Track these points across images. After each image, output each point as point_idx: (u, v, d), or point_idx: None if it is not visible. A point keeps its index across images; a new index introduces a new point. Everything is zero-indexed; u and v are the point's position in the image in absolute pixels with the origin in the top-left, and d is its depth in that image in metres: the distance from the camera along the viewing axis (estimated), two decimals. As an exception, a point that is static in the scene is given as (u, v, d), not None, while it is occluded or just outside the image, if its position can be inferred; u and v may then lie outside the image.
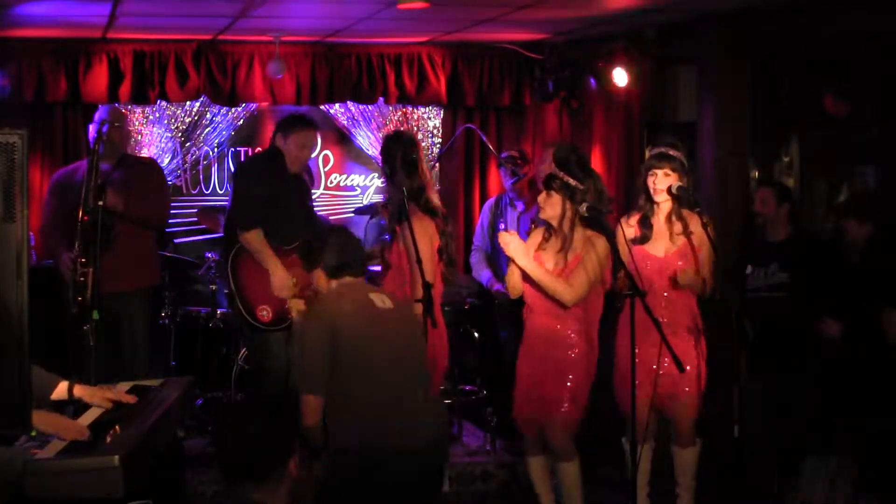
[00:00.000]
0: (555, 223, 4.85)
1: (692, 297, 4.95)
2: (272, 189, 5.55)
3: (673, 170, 4.87)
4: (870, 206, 5.24)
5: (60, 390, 3.70)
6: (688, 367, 4.62)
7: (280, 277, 5.49)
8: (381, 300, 4.06)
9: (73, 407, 3.78)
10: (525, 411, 4.97)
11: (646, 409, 4.74)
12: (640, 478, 5.02)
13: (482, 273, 6.68)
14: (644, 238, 4.95)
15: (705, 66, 6.34)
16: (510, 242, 4.82)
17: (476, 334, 6.67)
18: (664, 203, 4.93)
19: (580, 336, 4.83)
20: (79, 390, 3.75)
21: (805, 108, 6.26)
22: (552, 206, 4.82)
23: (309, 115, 6.19)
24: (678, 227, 4.93)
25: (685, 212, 4.91)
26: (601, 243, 4.75)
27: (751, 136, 6.28)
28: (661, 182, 4.89)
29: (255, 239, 5.46)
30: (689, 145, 6.26)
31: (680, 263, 4.89)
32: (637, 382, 4.51)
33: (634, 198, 5.12)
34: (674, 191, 4.88)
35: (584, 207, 4.70)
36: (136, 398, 3.90)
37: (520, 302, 5.05)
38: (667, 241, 4.95)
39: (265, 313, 5.52)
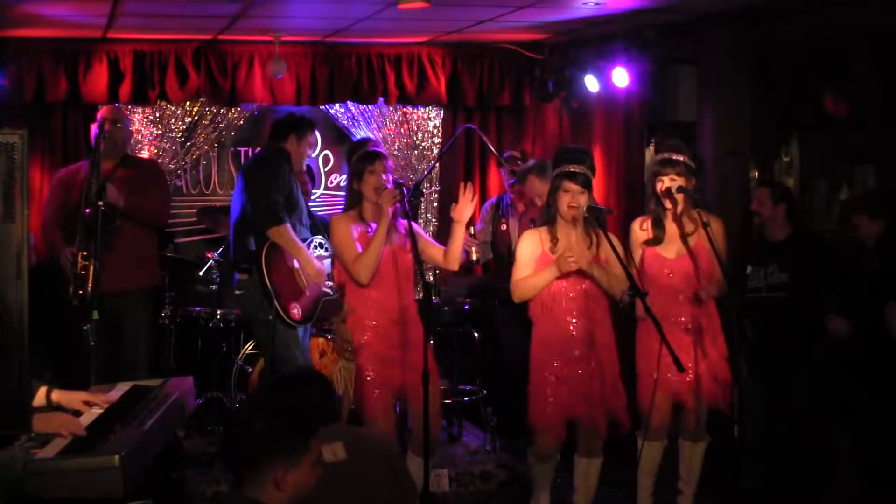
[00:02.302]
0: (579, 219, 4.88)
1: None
2: (287, 188, 5.62)
3: (679, 174, 4.91)
4: (883, 203, 5.22)
5: (39, 397, 3.66)
6: (688, 366, 4.66)
7: (314, 266, 5.61)
8: (332, 452, 3.62)
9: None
10: (563, 413, 4.88)
11: (665, 408, 4.91)
12: (647, 474, 5.06)
13: None
14: (657, 240, 4.99)
15: (705, 66, 6.34)
16: (576, 260, 4.75)
17: (476, 334, 6.67)
18: (674, 206, 4.95)
19: (610, 336, 4.92)
20: (56, 395, 3.72)
21: (805, 108, 6.25)
22: (584, 202, 4.83)
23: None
24: (689, 227, 4.96)
25: (698, 213, 4.91)
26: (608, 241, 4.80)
27: (751, 136, 6.27)
28: (668, 186, 4.92)
29: (287, 232, 5.51)
30: (689, 145, 6.28)
31: (696, 264, 4.93)
32: (658, 379, 4.65)
33: (646, 202, 5.19)
34: (674, 190, 4.89)
35: (585, 207, 4.80)
36: (108, 401, 3.87)
37: (518, 303, 5.02)
38: (678, 243, 4.99)
39: (297, 311, 5.59)
